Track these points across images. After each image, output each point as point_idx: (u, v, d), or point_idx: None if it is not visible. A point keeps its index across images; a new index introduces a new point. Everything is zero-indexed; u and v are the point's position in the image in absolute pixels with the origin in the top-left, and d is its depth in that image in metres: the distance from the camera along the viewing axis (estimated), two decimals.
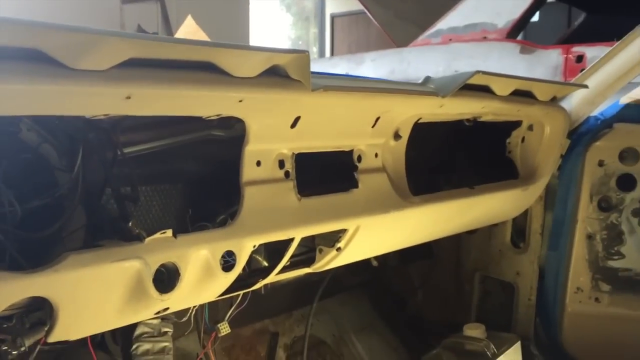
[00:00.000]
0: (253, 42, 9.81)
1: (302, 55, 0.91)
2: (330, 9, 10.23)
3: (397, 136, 1.34)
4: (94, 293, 0.81)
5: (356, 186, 1.24)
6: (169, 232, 0.88)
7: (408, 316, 2.23)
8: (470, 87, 1.38)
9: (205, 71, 0.86)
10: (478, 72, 1.25)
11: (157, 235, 0.86)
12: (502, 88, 1.45)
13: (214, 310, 1.53)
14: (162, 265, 0.88)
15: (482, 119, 1.60)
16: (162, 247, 0.87)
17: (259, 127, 1.01)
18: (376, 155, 1.29)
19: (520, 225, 2.01)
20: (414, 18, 5.08)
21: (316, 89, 0.96)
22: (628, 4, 4.34)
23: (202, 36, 2.77)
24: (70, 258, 0.77)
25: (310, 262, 1.29)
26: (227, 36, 7.72)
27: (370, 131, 1.24)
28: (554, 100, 1.74)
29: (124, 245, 0.83)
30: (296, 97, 0.99)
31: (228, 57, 0.86)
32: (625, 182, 1.84)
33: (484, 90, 1.44)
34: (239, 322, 1.68)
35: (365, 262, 1.72)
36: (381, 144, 1.30)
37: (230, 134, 1.08)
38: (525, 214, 1.96)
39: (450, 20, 4.31)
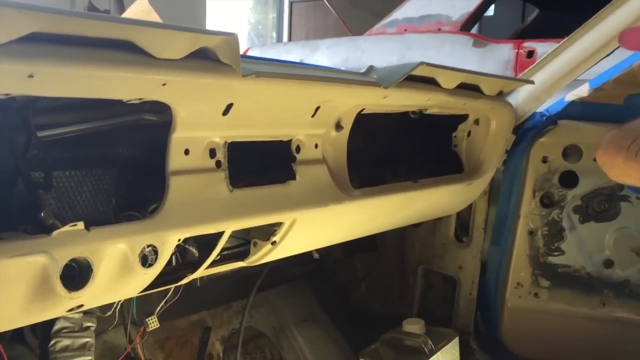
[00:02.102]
0: (210, 25, 9.61)
1: (230, 38, 0.85)
2: None
3: (338, 127, 1.29)
4: None
5: (293, 178, 1.19)
6: (80, 225, 0.81)
7: (351, 308, 2.20)
8: (416, 79, 1.35)
9: (124, 51, 0.79)
10: (422, 63, 1.22)
11: (66, 227, 0.79)
12: (447, 81, 1.42)
13: (146, 303, 1.47)
14: (73, 260, 0.81)
15: (428, 112, 1.57)
16: (72, 241, 0.80)
17: (187, 113, 0.95)
18: (316, 146, 1.25)
19: (464, 219, 2.01)
20: (371, 7, 5.04)
21: (248, 74, 0.90)
22: (579, 1, 4.42)
23: (154, 17, 2.66)
24: None
25: (244, 255, 1.24)
26: (183, 18, 7.53)
27: (310, 121, 1.19)
28: (501, 95, 1.73)
29: (28, 239, 0.76)
30: (227, 83, 0.93)
31: (149, 37, 0.79)
32: (568, 179, 1.85)
33: (430, 83, 1.41)
34: (174, 314, 1.62)
35: (308, 254, 1.68)
36: (321, 134, 1.25)
37: (163, 119, 1.01)
38: (469, 208, 1.96)
39: (406, 10, 4.29)
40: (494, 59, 3.69)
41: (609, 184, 1.82)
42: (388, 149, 1.69)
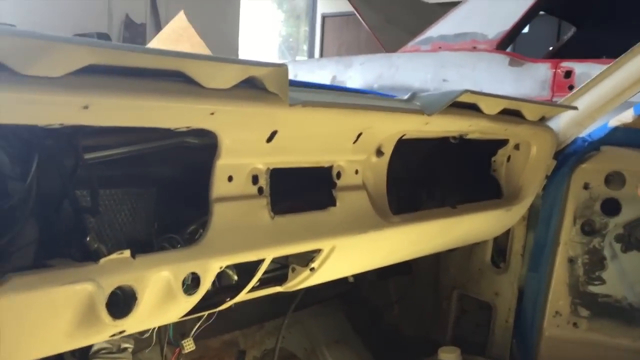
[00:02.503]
0: (243, 37, 9.72)
1: (280, 69, 0.85)
2: (321, 8, 10.16)
3: (379, 153, 1.28)
4: (39, 317, 0.75)
5: (334, 204, 1.18)
6: (127, 253, 0.81)
7: (383, 331, 2.18)
8: (458, 105, 1.33)
9: (174, 81, 0.79)
10: (466, 90, 1.20)
11: (114, 255, 0.80)
12: (490, 107, 1.40)
13: (180, 323, 1.47)
14: (118, 288, 0.82)
15: (469, 137, 1.56)
16: (118, 269, 0.80)
17: (232, 140, 0.95)
18: (357, 172, 1.24)
19: (501, 244, 1.97)
20: (405, 24, 5.04)
21: (294, 104, 0.90)
22: (616, 20, 4.34)
23: (191, 33, 2.70)
24: (14, 280, 0.71)
25: (282, 280, 1.23)
26: (217, 31, 7.63)
27: (352, 147, 1.18)
28: (542, 120, 1.70)
29: (76, 267, 0.77)
30: (273, 111, 0.93)
31: (199, 68, 0.79)
32: (610, 207, 1.81)
33: (472, 108, 1.39)
34: (207, 333, 1.62)
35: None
36: (362, 160, 1.24)
37: (205, 142, 1.02)
38: (507, 233, 1.92)
39: (441, 28, 4.26)
40: (530, 78, 3.64)
41: None
42: (427, 174, 1.68)
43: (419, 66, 4.14)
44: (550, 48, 5.23)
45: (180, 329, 1.49)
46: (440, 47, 4.19)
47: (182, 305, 0.92)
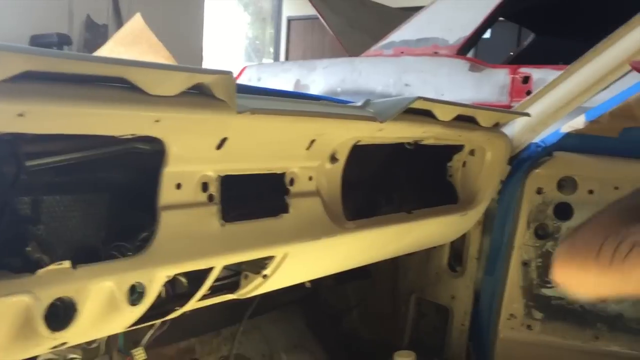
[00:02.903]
0: (209, 39, 9.64)
1: (226, 77, 0.84)
2: (287, 11, 10.16)
3: (333, 159, 1.28)
4: None
5: (286, 211, 1.17)
6: (66, 264, 0.79)
7: (342, 335, 2.18)
8: (412, 111, 1.34)
9: (117, 88, 0.78)
10: (419, 97, 1.21)
11: (52, 266, 0.77)
12: (444, 114, 1.42)
13: (133, 331, 1.44)
14: (58, 299, 0.80)
15: (424, 142, 1.57)
16: (57, 280, 0.78)
17: (180, 148, 0.94)
18: (310, 178, 1.23)
19: (458, 248, 1.99)
20: (368, 28, 5.07)
21: (243, 111, 0.89)
22: (575, 26, 4.45)
23: (148, 35, 2.66)
24: None
25: (234, 287, 1.22)
26: (180, 33, 7.55)
27: (305, 153, 1.18)
28: (497, 126, 1.72)
29: (11, 278, 0.74)
30: (221, 119, 0.92)
31: (143, 75, 0.78)
32: (562, 211, 1.84)
33: (426, 115, 1.41)
34: (162, 341, 1.59)
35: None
36: (316, 166, 1.24)
37: (156, 148, 1.00)
38: (463, 237, 1.94)
39: (403, 33, 4.30)
40: (489, 83, 3.70)
41: None
42: (383, 179, 1.68)
43: (381, 71, 4.17)
44: (511, 54, 5.33)
45: (133, 337, 1.46)
46: (402, 52, 4.23)
47: (127, 315, 0.90)
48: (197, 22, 8.48)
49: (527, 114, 1.70)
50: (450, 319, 1.97)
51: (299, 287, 1.86)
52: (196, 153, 0.97)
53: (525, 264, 1.88)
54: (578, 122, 1.85)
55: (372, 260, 1.58)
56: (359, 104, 1.22)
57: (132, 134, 0.86)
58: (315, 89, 4.47)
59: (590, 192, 1.81)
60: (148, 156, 0.99)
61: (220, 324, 1.86)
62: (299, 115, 1.04)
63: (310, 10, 7.10)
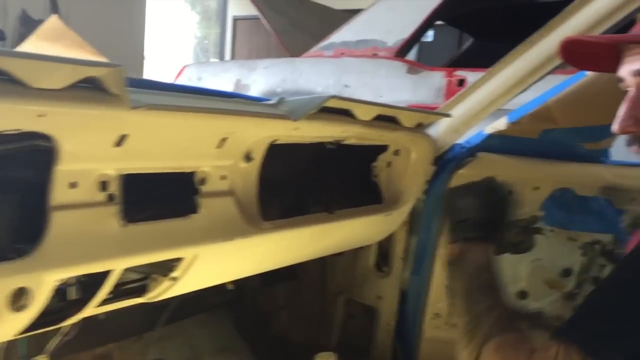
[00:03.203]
0: (154, 38, 9.45)
1: (115, 70, 0.80)
2: (233, 11, 10.06)
3: (248, 158, 1.25)
4: None
5: (196, 211, 1.14)
6: None
7: (271, 337, 2.15)
8: (331, 111, 1.33)
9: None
10: (333, 96, 1.20)
11: None
12: (363, 113, 1.41)
13: (41, 338, 1.37)
14: None
15: (346, 142, 1.56)
16: None
17: (74, 144, 0.90)
18: (223, 177, 1.20)
19: (385, 249, 2.00)
20: (309, 28, 5.07)
21: (137, 106, 0.86)
22: (512, 31, 4.56)
23: (69, 33, 2.55)
24: None
25: (143, 290, 1.18)
26: (120, 30, 7.38)
27: (216, 152, 1.15)
28: (420, 127, 1.73)
29: None
30: (117, 114, 0.88)
31: (23, 67, 0.74)
32: None
33: (346, 114, 1.40)
34: (75, 347, 1.53)
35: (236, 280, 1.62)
36: (229, 165, 1.21)
37: (49, 144, 0.95)
38: (390, 237, 1.95)
39: (343, 34, 4.32)
40: (426, 85, 3.75)
41: (524, 217, 1.86)
42: (306, 179, 1.67)
43: (321, 71, 4.18)
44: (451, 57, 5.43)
45: (42, 343, 1.40)
46: (342, 53, 4.24)
47: (10, 323, 0.85)
48: (139, 20, 8.30)
49: (448, 115, 1.72)
50: (376, 319, 1.97)
51: (226, 288, 1.84)
52: (92, 150, 0.93)
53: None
54: (500, 124, 1.89)
55: (293, 261, 1.57)
56: (273, 102, 1.20)
57: (16, 130, 0.82)
58: (255, 89, 4.44)
59: (511, 192, 1.84)
60: (43, 154, 0.94)
61: (142, 327, 1.81)
62: (203, 112, 1.00)
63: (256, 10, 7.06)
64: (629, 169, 1.87)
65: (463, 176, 1.86)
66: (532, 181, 1.83)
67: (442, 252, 1.89)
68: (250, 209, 1.28)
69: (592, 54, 1.15)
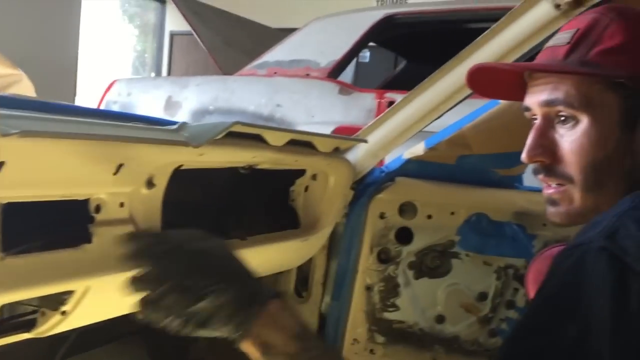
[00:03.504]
0: (86, 50, 9.19)
1: None
2: (170, 25, 9.92)
3: (150, 184, 1.20)
4: None
5: (89, 241, 1.08)
6: None
7: None
8: (240, 136, 1.31)
9: None
10: (237, 122, 1.17)
11: None
12: (275, 139, 1.39)
13: None
14: None
15: (260, 167, 1.53)
16: None
17: None
18: (122, 205, 1.15)
19: (305, 273, 1.98)
20: (245, 47, 5.04)
21: (7, 134, 0.80)
22: (444, 54, 4.68)
23: None
24: None
25: (31, 325, 1.11)
26: (52, 41, 7.14)
27: (112, 179, 1.10)
28: (338, 152, 1.73)
29: None
30: None
31: None
32: (403, 236, 1.88)
33: (257, 139, 1.37)
34: None
35: None
36: (129, 192, 1.16)
37: None
38: (309, 262, 1.93)
39: (277, 53, 4.31)
40: (357, 107, 3.78)
41: (441, 241, 1.87)
42: (221, 204, 1.63)
43: (254, 90, 4.15)
44: (385, 79, 5.51)
45: None
46: (275, 72, 4.23)
47: None
48: (72, 31, 8.06)
49: (365, 141, 1.72)
50: None
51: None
52: None
53: (368, 288, 1.89)
54: (418, 149, 1.91)
55: None
56: (174, 127, 1.16)
57: None
58: (187, 107, 4.36)
59: (429, 217, 1.87)
60: None
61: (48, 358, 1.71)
62: (88, 139, 0.96)
63: None
64: (540, 195, 1.92)
65: (382, 200, 1.87)
66: (448, 206, 1.86)
67: (360, 276, 1.88)
68: None
69: (499, 82, 1.17)
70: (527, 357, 0.84)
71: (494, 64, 1.13)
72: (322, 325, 1.93)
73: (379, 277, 1.88)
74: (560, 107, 1.02)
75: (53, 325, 1.11)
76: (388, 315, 1.88)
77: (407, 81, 4.61)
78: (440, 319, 1.88)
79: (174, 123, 1.22)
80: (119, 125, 1.09)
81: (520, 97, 1.12)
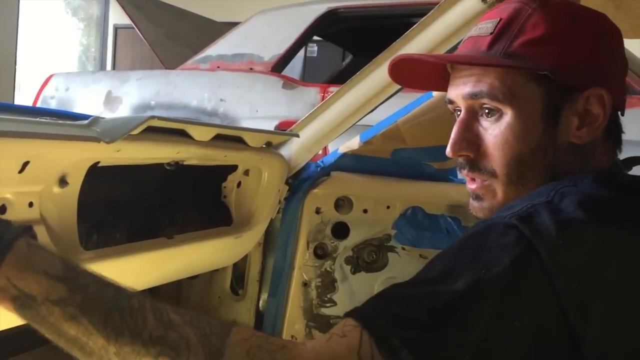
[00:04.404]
0: (27, 44, 8.89)
1: None
2: (114, 19, 9.66)
3: (63, 182, 1.15)
4: None
5: None
6: None
7: None
8: (161, 130, 1.26)
9: None
10: (152, 117, 1.13)
11: None
12: (200, 134, 1.35)
13: None
14: None
15: (188, 163, 1.49)
16: None
17: None
18: (31, 204, 1.09)
19: (241, 270, 1.94)
20: (189, 41, 4.94)
21: None
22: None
23: None
24: None
25: None
26: None
27: (18, 177, 1.04)
28: (270, 146, 1.69)
29: None
30: None
31: None
32: (340, 230, 1.87)
33: (182, 134, 1.33)
34: None
35: None
36: (39, 191, 1.10)
37: None
38: (245, 259, 1.89)
39: (219, 47, 4.24)
40: (301, 101, 3.75)
41: (377, 235, 1.87)
42: (148, 202, 1.57)
43: (196, 84, 4.07)
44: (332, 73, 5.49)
45: None
46: (218, 67, 4.16)
47: None
48: (9, 27, 7.77)
49: (296, 135, 1.70)
50: None
51: None
52: None
53: (305, 284, 1.87)
54: (353, 143, 1.90)
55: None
56: (85, 122, 1.11)
57: None
58: (128, 102, 4.24)
59: (365, 211, 1.85)
60: None
61: None
62: None
63: None
64: None
65: (318, 195, 1.85)
66: (384, 200, 1.85)
67: (297, 272, 1.86)
68: (67, 238, 1.17)
69: (422, 73, 1.15)
70: (412, 298, 0.80)
71: (416, 56, 1.10)
72: (259, 322, 1.90)
73: (316, 272, 1.86)
74: (484, 100, 1.00)
75: None
76: (325, 311, 1.87)
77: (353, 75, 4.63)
78: None
79: (87, 117, 1.16)
80: (22, 120, 1.03)
81: (444, 87, 1.10)
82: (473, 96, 1.01)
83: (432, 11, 1.55)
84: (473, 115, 1.03)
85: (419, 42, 1.57)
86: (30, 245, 0.77)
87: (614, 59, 1.02)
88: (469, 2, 1.49)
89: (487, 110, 1.01)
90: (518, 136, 0.98)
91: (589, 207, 0.86)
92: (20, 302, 0.75)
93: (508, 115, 0.99)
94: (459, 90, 1.04)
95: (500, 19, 1.02)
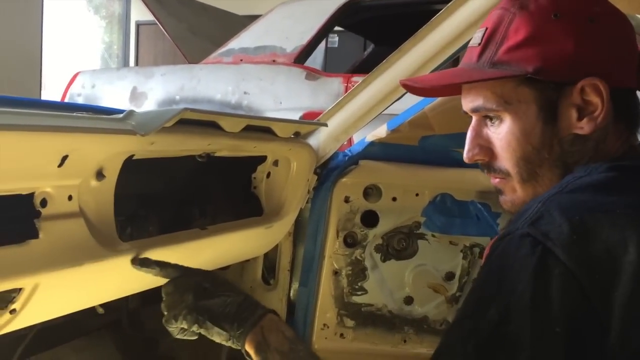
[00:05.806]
0: (52, 42, 9.02)
1: None
2: (136, 15, 9.74)
3: (100, 175, 1.17)
4: None
5: (36, 236, 1.05)
6: None
7: (158, 358, 2.06)
8: (193, 123, 1.27)
9: None
10: (185, 109, 1.14)
11: None
12: (230, 125, 1.36)
13: None
14: None
15: (218, 154, 1.50)
16: None
17: None
18: (70, 198, 1.11)
19: (272, 260, 1.96)
20: (211, 35, 4.97)
21: None
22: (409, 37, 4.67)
23: None
24: None
25: None
26: (14, 35, 6.98)
27: (57, 171, 1.06)
28: (298, 136, 1.70)
29: None
30: None
31: None
32: (369, 219, 1.87)
33: (212, 126, 1.34)
34: None
35: (114, 301, 1.51)
36: (77, 184, 1.13)
37: None
38: (276, 249, 1.91)
39: (242, 40, 4.26)
40: (324, 91, 3.75)
41: (406, 223, 1.87)
42: (181, 194, 1.60)
43: (220, 78, 4.09)
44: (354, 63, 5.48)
45: None
46: (241, 60, 4.18)
47: None
48: (34, 24, 7.89)
49: (325, 124, 1.70)
50: None
51: (113, 308, 1.74)
52: None
53: (336, 273, 1.88)
54: (381, 131, 1.90)
55: (161, 282, 1.49)
56: (120, 115, 1.13)
57: None
58: (153, 97, 4.29)
59: (394, 199, 1.86)
60: None
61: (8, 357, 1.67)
62: (30, 130, 0.92)
63: None
64: None
65: (346, 184, 1.85)
66: (413, 187, 1.85)
67: (327, 261, 1.87)
68: (105, 230, 1.20)
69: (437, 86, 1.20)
70: (458, 341, 0.86)
71: (413, 84, 1.18)
72: (291, 311, 1.92)
73: (346, 261, 1.87)
74: (483, 111, 1.07)
75: (2, 325, 1.07)
76: (356, 299, 1.88)
77: (375, 65, 4.61)
78: (408, 300, 1.88)
79: (120, 112, 1.19)
80: (60, 115, 1.05)
81: (458, 92, 1.15)
82: (474, 110, 1.09)
83: None
84: (481, 123, 1.10)
85: (448, 27, 1.57)
86: (275, 317, 1.19)
87: (609, 42, 1.01)
88: None
89: (489, 118, 1.07)
90: (519, 137, 1.03)
91: (601, 196, 0.88)
92: (260, 346, 1.11)
93: (507, 120, 1.04)
94: (464, 105, 1.12)
95: (487, 29, 1.06)
